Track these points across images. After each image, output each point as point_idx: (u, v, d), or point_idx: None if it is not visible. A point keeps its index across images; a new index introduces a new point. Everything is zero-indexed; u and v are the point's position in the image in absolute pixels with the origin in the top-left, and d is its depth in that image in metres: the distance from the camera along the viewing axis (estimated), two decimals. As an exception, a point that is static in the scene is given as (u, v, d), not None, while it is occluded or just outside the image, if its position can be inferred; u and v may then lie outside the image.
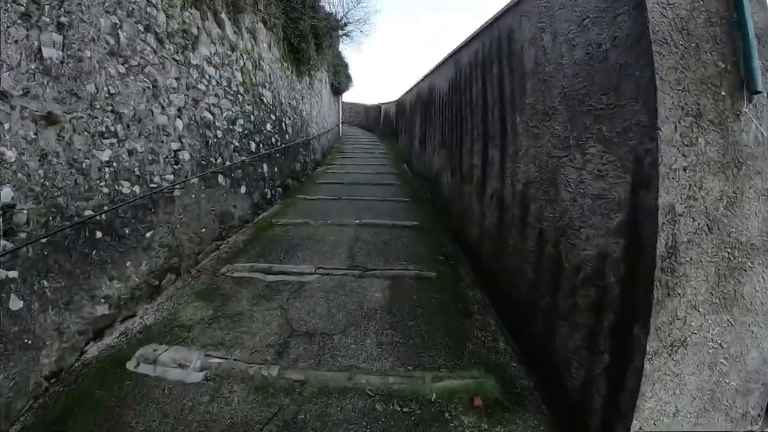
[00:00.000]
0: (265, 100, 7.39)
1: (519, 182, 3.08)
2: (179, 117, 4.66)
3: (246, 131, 6.50)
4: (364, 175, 10.00)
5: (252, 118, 6.76)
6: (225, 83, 5.85)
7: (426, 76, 8.15)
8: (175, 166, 4.51)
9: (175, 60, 4.64)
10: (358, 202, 7.13)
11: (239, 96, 6.31)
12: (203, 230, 5.08)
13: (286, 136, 8.78)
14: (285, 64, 8.87)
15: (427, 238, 5.28)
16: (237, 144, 6.14)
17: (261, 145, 7.13)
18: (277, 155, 8.05)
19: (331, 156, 13.89)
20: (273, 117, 7.84)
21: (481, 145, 4.07)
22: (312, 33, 10.50)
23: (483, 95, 4.02)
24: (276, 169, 7.92)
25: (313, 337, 2.92)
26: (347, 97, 31.37)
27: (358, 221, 5.84)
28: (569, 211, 2.36)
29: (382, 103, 23.15)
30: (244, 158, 6.33)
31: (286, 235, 5.40)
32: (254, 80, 6.94)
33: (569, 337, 2.38)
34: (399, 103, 16.11)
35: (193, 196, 4.91)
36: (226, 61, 5.94)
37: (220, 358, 2.79)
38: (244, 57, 6.57)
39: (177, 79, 4.65)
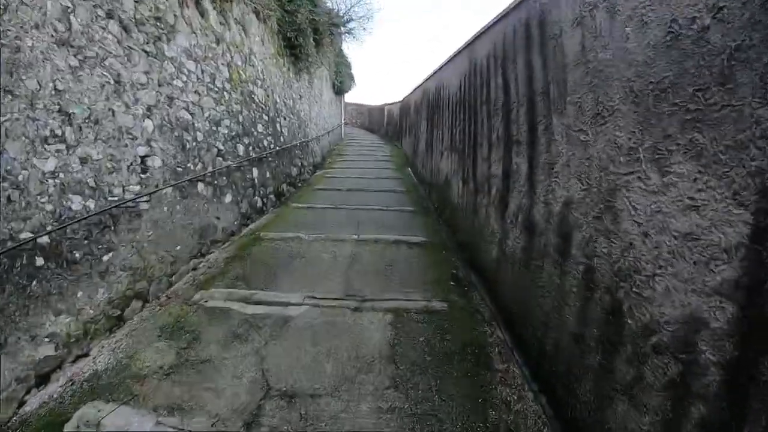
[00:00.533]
0: (256, 98, 6.82)
1: (556, 201, 2.47)
2: (149, 117, 4.09)
3: (233, 133, 5.92)
4: (366, 180, 9.40)
5: (240, 118, 6.18)
6: (208, 79, 5.28)
7: (433, 74, 7.56)
8: (142, 175, 3.93)
9: (145, 51, 4.06)
10: (357, 212, 6.53)
11: (225, 94, 5.74)
12: (178, 247, 4.49)
13: (281, 138, 8.20)
14: (281, 61, 8.30)
15: (435, 258, 4.68)
16: (221, 147, 5.56)
17: (251, 148, 6.55)
18: (270, 159, 7.46)
19: (331, 159, 13.30)
20: (265, 117, 7.26)
21: (502, 152, 3.47)
22: (311, 28, 9.93)
23: (505, 92, 3.42)
24: (268, 174, 7.34)
25: (294, 399, 2.32)
26: (350, 97, 30.85)
27: (356, 236, 5.24)
28: (636, 249, 1.76)
29: (386, 104, 22.58)
30: (230, 163, 5.75)
31: (274, 253, 4.82)
32: (243, 77, 6.37)
33: (632, 418, 1.77)
34: (403, 104, 15.51)
35: (166, 208, 4.34)
36: (210, 55, 5.37)
37: (172, 428, 2.19)
38: (232, 50, 6.00)
39: (147, 73, 4.08)
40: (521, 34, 3.03)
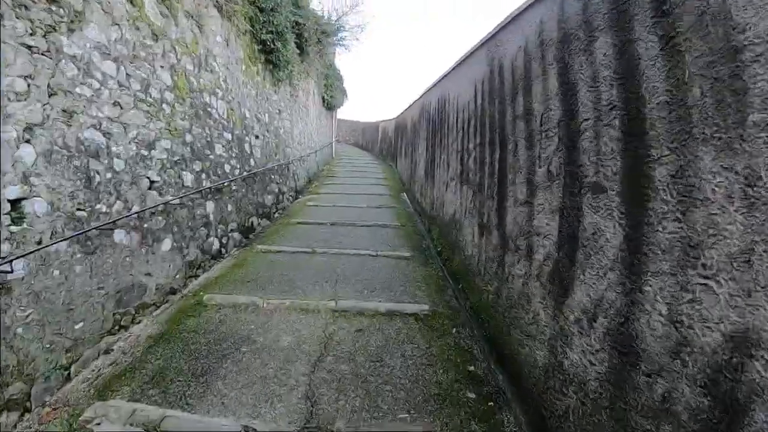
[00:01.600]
0: (214, 112, 5.55)
1: (707, 329, 1.18)
2: (28, 141, 2.80)
3: (175, 158, 4.64)
4: (354, 210, 8.11)
5: (188, 137, 4.90)
6: (137, 87, 4.01)
7: (434, 85, 6.37)
8: (12, 228, 2.63)
9: (27, 47, 2.81)
10: (340, 258, 5.21)
11: (165, 106, 4.48)
12: (80, 325, 3.18)
13: (252, 160, 6.92)
14: (253, 68, 7.09)
15: (442, 343, 3.34)
16: (156, 178, 4.28)
17: (204, 176, 5.26)
18: (234, 188, 6.17)
19: (318, 182, 12.04)
20: (228, 136, 5.99)
21: (560, 198, 2.19)
22: (294, 32, 8.77)
23: (565, 101, 2.16)
24: (230, 207, 6.04)
25: None
26: (344, 114, 29.89)
27: (333, 303, 3.90)
28: None
29: (381, 121, 21.51)
30: (169, 198, 4.45)
31: (215, 331, 3.49)
32: (196, 85, 5.12)
33: None
34: (398, 121, 14.37)
35: (57, 272, 3.03)
36: (143, 55, 4.12)
37: None
38: (179, 51, 4.76)
39: (28, 77, 2.81)
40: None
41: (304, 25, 9.47)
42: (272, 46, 7.32)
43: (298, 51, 9.60)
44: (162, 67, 4.50)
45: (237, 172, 6.28)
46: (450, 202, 4.97)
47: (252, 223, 6.84)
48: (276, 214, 8.04)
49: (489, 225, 3.44)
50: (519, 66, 2.84)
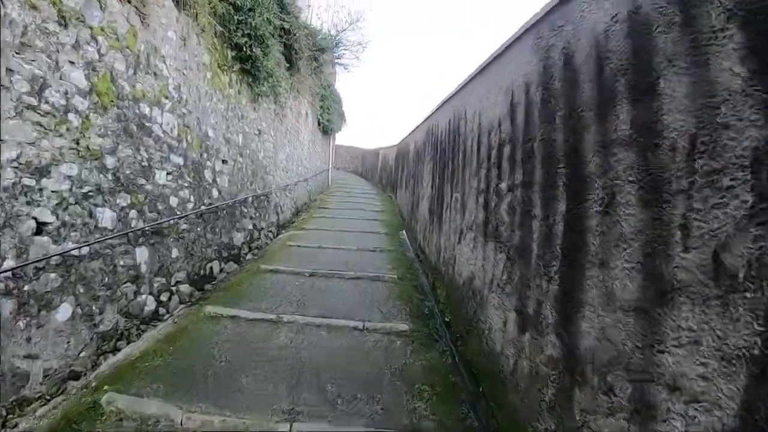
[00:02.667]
0: (155, 128, 4.31)
1: None
2: None
3: (87, 189, 3.38)
4: (344, 253, 6.78)
5: (110, 161, 3.64)
6: (24, 87, 2.79)
7: (445, 102, 5.17)
8: None
9: None
10: (312, 334, 3.85)
11: (72, 117, 3.24)
12: None
13: (215, 191, 5.65)
14: (223, 78, 5.91)
15: None
16: (51, 218, 3.03)
17: (135, 213, 3.98)
18: (184, 227, 4.87)
19: (307, 214, 10.76)
20: (179, 160, 4.74)
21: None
22: (281, 41, 7.67)
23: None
24: (176, 252, 4.72)
25: None
26: (344, 139, 29.02)
27: (287, 428, 2.54)
28: None
29: (381, 148, 20.45)
30: (70, 246, 3.17)
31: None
32: (128, 91, 3.90)
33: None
34: (400, 147, 13.23)
35: None
36: (39, 44, 2.92)
37: None
38: (103, 44, 3.56)
39: None
40: None
41: (294, 35, 8.40)
42: (249, 52, 6.16)
43: (286, 64, 8.50)
44: (72, 63, 3.28)
45: (191, 206, 4.99)
46: (466, 260, 3.65)
47: (211, 269, 5.50)
48: (248, 256, 6.71)
49: (539, 321, 2.11)
50: (615, 48, 1.58)
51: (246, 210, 6.88)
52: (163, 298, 4.50)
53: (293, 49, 8.65)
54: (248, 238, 6.94)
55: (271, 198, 8.32)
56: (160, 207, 4.38)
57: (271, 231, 8.17)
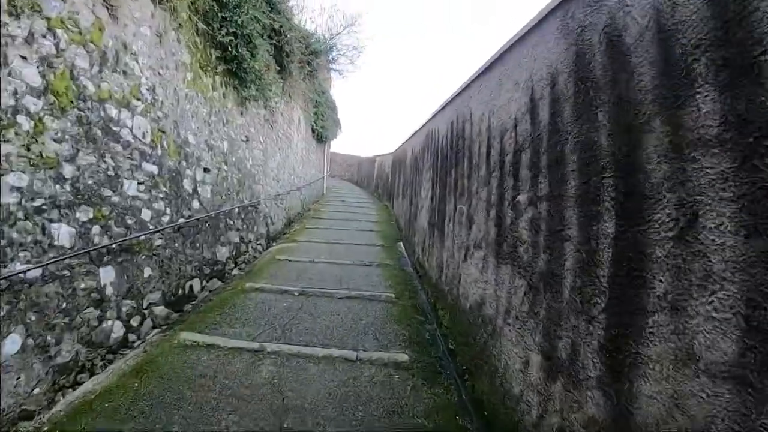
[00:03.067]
0: (124, 133, 3.89)
1: None
2: None
3: (39, 202, 2.96)
4: (337, 267, 6.35)
5: (69, 170, 3.22)
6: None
7: (447, 104, 4.78)
8: None
9: None
10: (297, 369, 3.41)
11: (23, 119, 2.83)
12: None
13: (195, 202, 5.22)
14: (206, 80, 5.51)
15: None
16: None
17: (98, 229, 3.54)
18: (158, 243, 4.43)
19: (300, 224, 10.31)
20: (152, 168, 4.32)
21: None
22: (271, 42, 7.30)
23: None
24: (149, 271, 4.28)
25: None
26: (338, 147, 28.65)
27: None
28: None
29: (377, 156, 20.08)
30: (18, 268, 2.74)
31: None
32: (92, 91, 3.48)
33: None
34: (396, 155, 12.85)
35: None
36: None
37: None
38: (62, 37, 3.16)
39: None
40: None
41: (285, 36, 8.02)
42: (235, 52, 5.76)
43: (277, 67, 8.12)
44: (24, 58, 2.88)
45: (167, 219, 4.55)
46: (473, 282, 3.23)
47: (191, 288, 5.05)
48: (234, 271, 6.25)
49: (576, 370, 1.69)
50: (689, 19, 1.18)
51: (232, 222, 6.43)
52: (134, 322, 4.05)
53: (284, 51, 8.27)
54: (234, 252, 6.49)
55: (261, 208, 7.88)
56: (129, 221, 3.94)
57: (260, 243, 7.72)
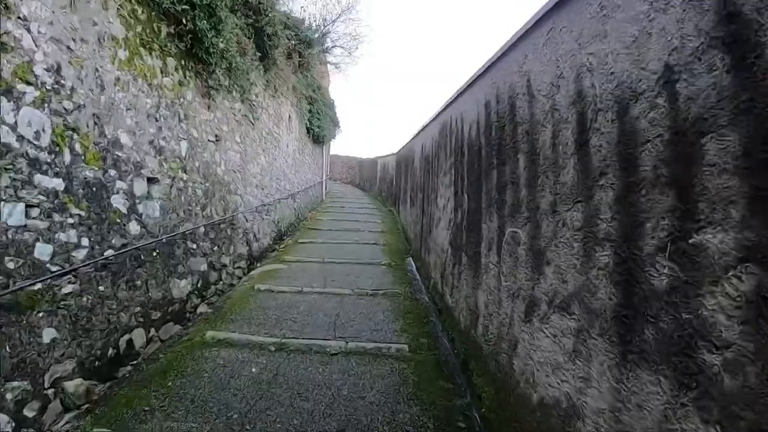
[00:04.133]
0: (1, 131, 2.61)
1: None
2: None
3: None
4: (332, 301, 5.05)
5: None
6: None
7: (473, 82, 3.49)
8: None
9: None
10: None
11: None
12: None
13: (132, 225, 3.94)
14: (150, 60, 4.27)
15: None
16: None
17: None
18: (69, 290, 3.14)
19: (292, 238, 9.01)
20: (52, 183, 3.04)
21: None
22: (248, 21, 6.04)
23: None
24: (53, 334, 2.99)
25: None
26: (339, 149, 27.35)
27: None
28: None
29: (380, 157, 18.79)
30: None
31: None
32: None
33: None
34: (401, 155, 11.56)
35: None
36: None
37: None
38: None
39: None
40: None
41: (266, 15, 6.74)
42: (191, 25, 4.48)
43: (257, 53, 6.85)
44: None
45: (82, 254, 3.26)
46: (553, 368, 1.91)
47: (129, 344, 3.76)
48: (201, 308, 4.96)
49: None
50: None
51: (195, 245, 5.14)
52: (29, 412, 2.76)
53: (265, 33, 6.98)
54: (200, 284, 5.19)
55: (239, 224, 6.59)
56: (10, 264, 2.65)
57: (239, 267, 6.43)
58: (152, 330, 4.18)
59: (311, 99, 12.83)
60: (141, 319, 4.01)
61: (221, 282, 5.75)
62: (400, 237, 9.48)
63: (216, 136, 5.75)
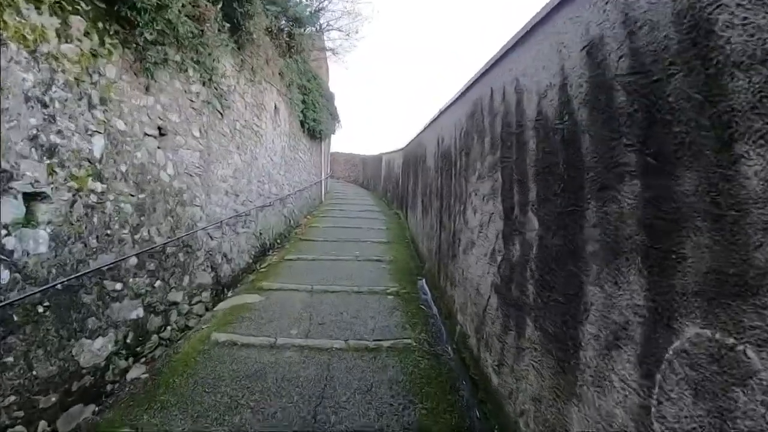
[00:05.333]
0: None
1: None
2: None
3: None
4: (318, 364, 3.62)
5: None
6: None
7: (528, 33, 2.01)
8: None
9: None
10: None
11: None
12: None
13: (-8, 268, 2.48)
14: (33, 18, 2.77)
15: None
16: None
17: None
18: None
19: (279, 253, 7.57)
20: None
21: None
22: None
23: None
24: None
25: None
26: (342, 146, 25.99)
27: None
28: None
29: (384, 153, 17.32)
30: None
31: None
32: None
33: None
34: (408, 151, 10.07)
35: None
36: None
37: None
38: None
39: None
40: None
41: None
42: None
43: (225, 24, 5.40)
44: None
45: None
46: None
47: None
48: (133, 371, 3.54)
49: None
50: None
51: (121, 284, 3.69)
52: None
53: (233, -2, 5.53)
54: (130, 339, 3.76)
55: (199, 244, 5.13)
56: None
57: (200, 302, 4.99)
58: (42, 424, 2.76)
59: (305, 89, 11.36)
60: (19, 413, 2.59)
61: (169, 327, 4.31)
62: (408, 248, 8.01)
63: (159, 128, 4.30)
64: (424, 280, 5.98)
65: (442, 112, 5.04)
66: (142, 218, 3.99)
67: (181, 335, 4.40)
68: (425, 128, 6.78)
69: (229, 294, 5.48)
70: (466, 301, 3.58)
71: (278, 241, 8.40)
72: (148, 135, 4.13)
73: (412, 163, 9.00)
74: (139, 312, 3.94)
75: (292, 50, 9.84)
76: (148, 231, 4.08)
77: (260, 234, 7.42)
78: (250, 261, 6.78)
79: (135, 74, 3.96)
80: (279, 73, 8.84)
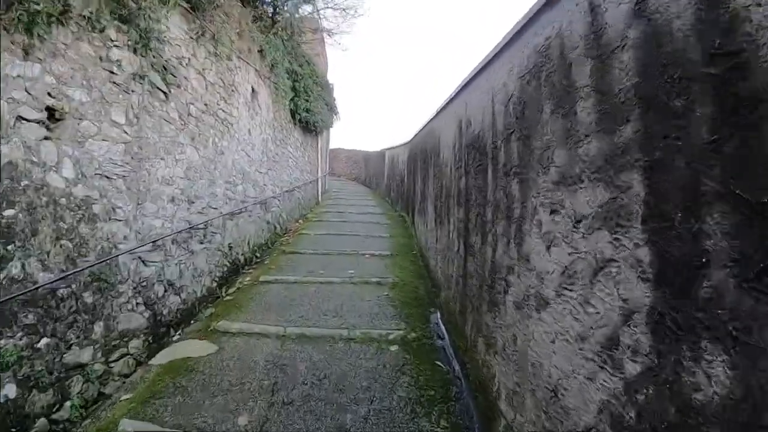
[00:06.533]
0: None
1: None
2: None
3: None
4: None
5: None
6: None
7: None
8: None
9: None
10: None
11: None
12: None
13: None
14: None
15: None
16: None
17: None
18: None
19: (254, 273, 6.19)
20: None
21: None
22: None
23: None
24: None
25: None
26: (343, 142, 24.67)
27: None
28: None
29: (386, 149, 15.91)
30: None
31: None
32: None
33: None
34: (414, 146, 8.66)
35: None
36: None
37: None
38: None
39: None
40: None
41: None
42: None
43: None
44: None
45: None
46: None
47: None
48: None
49: None
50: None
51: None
52: None
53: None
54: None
55: (124, 276, 3.75)
56: None
57: (124, 356, 3.62)
58: None
59: (297, 74, 9.96)
60: None
61: (68, 404, 2.96)
62: (416, 263, 6.62)
63: (48, 109, 2.93)
64: (438, 314, 4.59)
65: (467, 83, 3.60)
66: (7, 248, 2.62)
67: (90, 412, 3.05)
68: (438, 112, 5.36)
69: (174, 337, 4.12)
70: (522, 392, 2.18)
71: (257, 254, 7.02)
72: (27, 120, 2.77)
73: (421, 159, 7.58)
74: (10, 391, 2.59)
75: (278, 27, 8.45)
76: (21, 265, 2.71)
77: (229, 249, 6.04)
78: (214, 285, 5.41)
79: (5, 29, 2.60)
80: (258, 51, 7.46)
